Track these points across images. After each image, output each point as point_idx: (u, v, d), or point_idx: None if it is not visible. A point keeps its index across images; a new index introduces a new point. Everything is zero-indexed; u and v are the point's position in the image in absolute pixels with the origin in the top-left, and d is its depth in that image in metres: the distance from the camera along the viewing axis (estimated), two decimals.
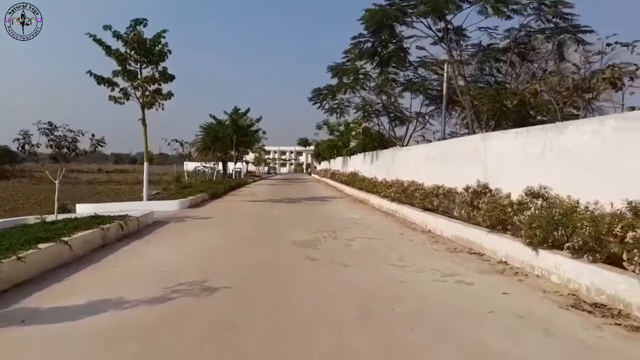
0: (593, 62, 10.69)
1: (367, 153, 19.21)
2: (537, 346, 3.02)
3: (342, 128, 31.74)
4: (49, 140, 7.83)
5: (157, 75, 12.67)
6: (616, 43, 9.87)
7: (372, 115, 19.34)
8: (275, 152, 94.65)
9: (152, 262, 5.50)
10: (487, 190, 7.19)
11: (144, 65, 12.48)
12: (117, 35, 11.95)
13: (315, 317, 3.54)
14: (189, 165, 35.62)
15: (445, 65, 13.34)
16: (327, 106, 19.57)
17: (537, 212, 5.40)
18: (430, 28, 12.68)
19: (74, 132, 8.30)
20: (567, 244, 4.55)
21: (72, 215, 8.33)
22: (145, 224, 8.50)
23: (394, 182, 12.63)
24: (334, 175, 28.73)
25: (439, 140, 13.87)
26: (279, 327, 3.31)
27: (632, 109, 8.74)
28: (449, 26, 12.37)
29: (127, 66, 12.12)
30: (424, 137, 18.40)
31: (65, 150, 8.03)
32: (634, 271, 3.65)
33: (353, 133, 24.39)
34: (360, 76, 16.95)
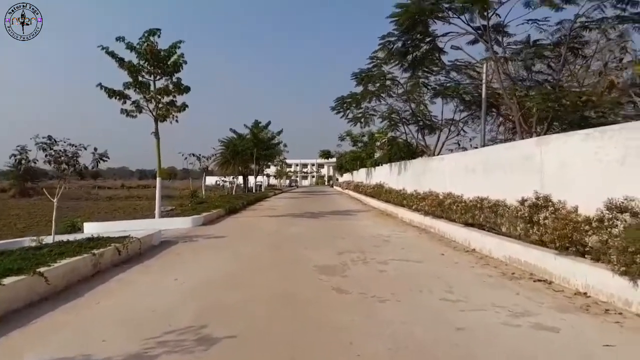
0: None
1: (393, 164, 18.01)
2: None
3: (365, 139, 30.65)
4: (46, 156, 7.11)
5: (171, 86, 12.05)
6: None
7: (399, 124, 18.14)
8: (297, 165, 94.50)
9: (144, 297, 4.53)
10: (550, 203, 5.93)
11: (158, 77, 11.89)
12: (130, 46, 11.41)
13: None
14: (210, 180, 35.26)
15: (485, 65, 11.99)
16: (350, 115, 18.47)
17: (630, 231, 4.15)
18: (468, 24, 11.42)
19: (75, 146, 7.56)
20: None
21: (74, 237, 7.52)
22: (150, 246, 7.61)
23: (426, 194, 11.42)
24: (357, 187, 27.62)
25: (476, 147, 12.59)
26: None
27: None
28: (488, 22, 11.06)
29: (140, 77, 11.53)
30: (459, 144, 16.96)
31: (64, 166, 7.28)
32: None
33: (378, 143, 23.27)
34: (388, 82, 15.79)
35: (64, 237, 7.06)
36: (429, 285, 4.91)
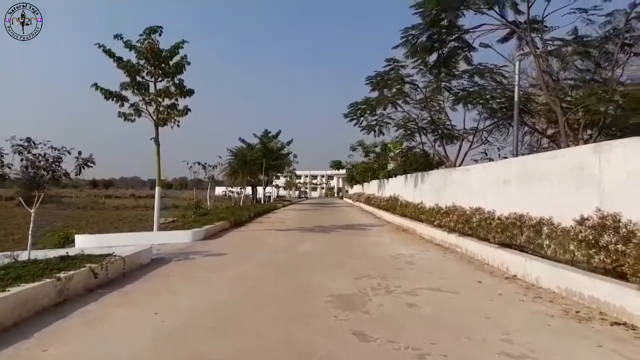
0: None
1: (409, 175, 16.86)
2: None
3: (378, 149, 29.56)
4: (21, 160, 6.20)
5: (172, 88, 11.20)
6: None
7: (416, 133, 16.97)
8: (307, 176, 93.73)
9: (108, 342, 3.47)
10: (621, 224, 4.78)
11: (159, 78, 11.05)
12: (128, 45, 10.62)
13: None
14: (219, 190, 34.42)
15: (517, 64, 10.80)
16: (364, 123, 17.35)
17: None
18: (503, 16, 10.25)
19: (57, 149, 6.65)
20: None
21: (57, 252, 6.53)
22: (138, 265, 6.60)
23: (450, 208, 10.27)
24: (369, 200, 26.41)
25: (505, 158, 11.39)
26: None
27: None
28: (529, 10, 9.82)
29: (138, 78, 10.70)
30: (486, 153, 15.59)
31: (42, 171, 6.36)
32: None
33: (391, 154, 22.20)
34: (407, 85, 14.62)
35: (45, 253, 6.12)
36: (478, 329, 3.79)
